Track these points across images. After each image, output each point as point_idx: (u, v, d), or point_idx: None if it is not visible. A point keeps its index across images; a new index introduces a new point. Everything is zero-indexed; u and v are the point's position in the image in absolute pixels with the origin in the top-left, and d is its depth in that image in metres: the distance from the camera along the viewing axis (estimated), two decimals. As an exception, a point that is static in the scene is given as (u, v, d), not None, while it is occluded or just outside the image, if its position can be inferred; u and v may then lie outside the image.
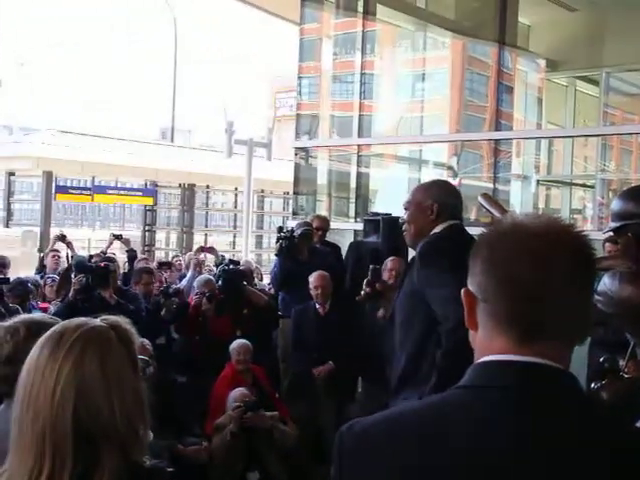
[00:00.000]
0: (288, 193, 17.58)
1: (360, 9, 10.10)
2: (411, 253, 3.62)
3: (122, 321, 1.77)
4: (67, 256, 8.02)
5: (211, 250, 8.89)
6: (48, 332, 1.66)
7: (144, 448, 1.66)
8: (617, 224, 2.90)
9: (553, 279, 1.10)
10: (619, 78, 11.31)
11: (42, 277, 7.89)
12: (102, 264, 6.26)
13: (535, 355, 1.11)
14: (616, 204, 2.98)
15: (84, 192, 18.12)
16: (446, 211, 3.31)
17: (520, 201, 11.30)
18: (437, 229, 3.28)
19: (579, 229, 1.17)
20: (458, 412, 1.12)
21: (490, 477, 1.06)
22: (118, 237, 8.80)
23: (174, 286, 6.94)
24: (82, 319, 1.74)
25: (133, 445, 1.61)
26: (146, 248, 18.11)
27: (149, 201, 18.87)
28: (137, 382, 1.69)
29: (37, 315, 2.94)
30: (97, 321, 1.72)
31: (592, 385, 2.82)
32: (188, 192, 19.92)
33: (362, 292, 3.64)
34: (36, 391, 1.56)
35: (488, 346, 1.15)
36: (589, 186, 12.47)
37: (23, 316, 2.46)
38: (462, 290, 1.20)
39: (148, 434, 1.70)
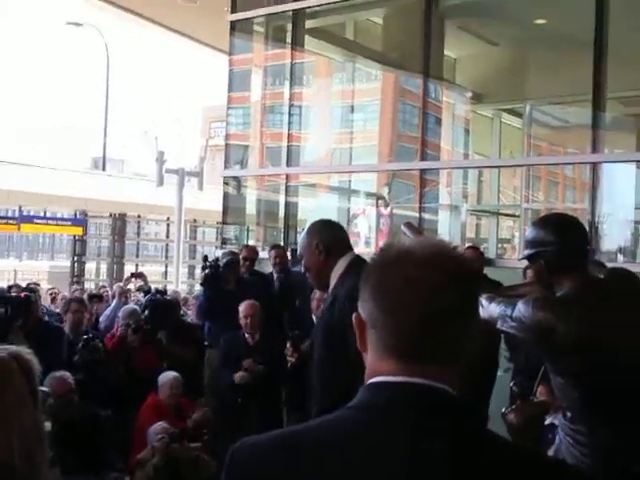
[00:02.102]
0: (220, 222, 17.53)
1: (289, 40, 10.19)
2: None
3: (24, 351, 1.72)
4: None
5: (140, 275, 8.79)
6: None
7: None
8: (530, 251, 2.98)
9: (436, 307, 1.12)
10: (542, 111, 11.67)
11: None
12: (22, 294, 6.09)
13: (421, 376, 1.13)
14: (529, 232, 3.07)
15: (10, 222, 17.74)
16: (335, 246, 3.34)
17: (449, 230, 11.49)
18: (339, 268, 3.29)
19: (460, 253, 1.21)
20: (349, 432, 1.14)
21: None
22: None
23: (90, 334, 6.62)
24: None
25: (29, 478, 1.56)
26: (75, 279, 17.78)
27: (78, 231, 18.57)
28: (37, 414, 1.64)
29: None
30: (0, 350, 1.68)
31: (502, 410, 2.87)
32: (119, 222, 19.68)
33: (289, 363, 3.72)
34: None
35: (377, 368, 1.17)
36: (516, 216, 12.78)
37: None
38: (353, 315, 1.22)
39: (47, 468, 1.65)
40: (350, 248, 3.41)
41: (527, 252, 3.01)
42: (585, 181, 11.41)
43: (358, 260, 3.29)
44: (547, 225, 3.00)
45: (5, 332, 5.52)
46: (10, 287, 6.94)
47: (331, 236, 3.38)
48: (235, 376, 5.87)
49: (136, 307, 6.91)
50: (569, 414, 2.88)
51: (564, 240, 2.89)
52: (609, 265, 3.69)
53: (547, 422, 2.85)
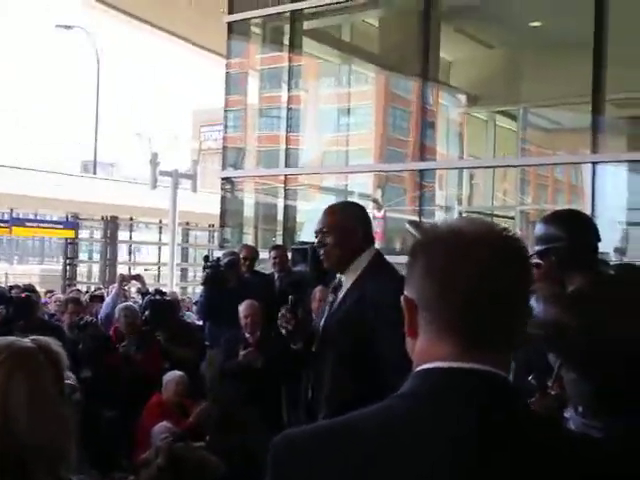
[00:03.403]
0: (213, 226, 17.51)
1: (286, 42, 10.22)
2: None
3: (52, 342, 1.73)
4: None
5: (137, 278, 8.63)
6: None
7: (71, 467, 1.63)
8: (540, 247, 2.98)
9: (496, 286, 1.09)
10: (536, 113, 11.75)
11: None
12: (23, 295, 6.10)
13: (479, 362, 1.09)
14: (539, 228, 3.06)
15: (1, 224, 17.65)
16: (369, 237, 3.32)
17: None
18: (363, 260, 3.28)
19: (516, 234, 1.16)
20: (401, 421, 1.09)
21: None
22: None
23: (87, 318, 6.66)
24: (11, 339, 1.70)
25: (59, 465, 1.59)
26: (67, 282, 17.72)
27: (70, 234, 18.50)
28: (63, 405, 1.66)
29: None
30: (27, 341, 1.69)
31: (522, 402, 2.89)
32: (111, 225, 19.62)
33: (283, 329, 3.36)
34: None
35: (430, 353, 1.12)
36: (509, 217, 12.85)
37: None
38: (402, 298, 1.17)
39: (74, 454, 1.67)
40: (374, 242, 3.40)
41: (537, 248, 2.99)
42: (575, 184, 11.51)
43: (383, 257, 3.29)
44: (558, 221, 2.99)
45: (7, 332, 5.52)
46: (11, 288, 6.94)
47: (369, 225, 3.37)
48: (240, 354, 5.79)
49: (133, 304, 6.92)
50: (580, 408, 2.90)
51: (576, 236, 2.89)
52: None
53: (566, 415, 2.88)
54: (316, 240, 3.28)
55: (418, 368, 1.14)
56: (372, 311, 3.05)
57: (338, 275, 3.31)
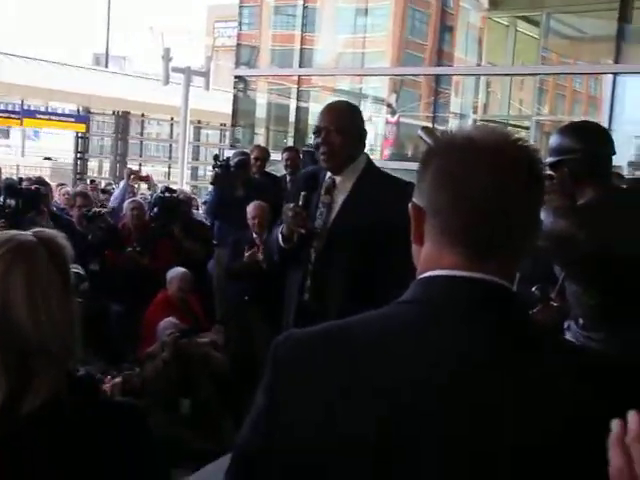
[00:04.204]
0: (225, 125, 17.35)
1: None
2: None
3: (57, 236, 1.71)
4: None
5: (146, 179, 8.55)
6: None
7: (76, 361, 1.65)
8: (554, 159, 2.94)
9: (511, 194, 1.07)
10: (559, 20, 11.40)
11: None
12: (33, 187, 6.09)
13: (485, 272, 1.08)
14: (554, 140, 3.02)
15: (12, 116, 17.51)
16: (364, 139, 3.30)
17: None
18: (359, 163, 3.22)
19: (531, 144, 1.14)
20: (404, 327, 1.09)
21: (439, 395, 1.04)
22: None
23: (94, 209, 6.68)
24: (12, 233, 1.69)
25: (64, 359, 1.60)
26: (78, 176, 17.74)
27: (81, 128, 18.37)
28: (67, 299, 1.66)
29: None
30: (28, 236, 1.68)
31: (525, 312, 2.91)
32: (122, 120, 19.49)
33: (296, 231, 3.16)
34: None
35: (436, 261, 1.11)
36: (524, 127, 12.68)
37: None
38: (409, 205, 1.16)
39: (79, 350, 1.69)
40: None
41: (551, 159, 2.96)
42: (594, 95, 11.29)
43: (374, 165, 3.32)
44: (573, 132, 2.94)
45: (17, 224, 5.55)
46: (21, 180, 6.91)
47: (365, 128, 3.34)
48: (245, 255, 5.82)
49: (140, 200, 6.95)
50: (581, 321, 2.93)
51: (590, 147, 2.85)
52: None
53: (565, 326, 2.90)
54: (317, 137, 3.14)
55: (422, 276, 1.13)
56: (390, 217, 3.02)
57: (328, 175, 3.24)
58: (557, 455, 0.97)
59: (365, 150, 3.33)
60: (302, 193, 3.20)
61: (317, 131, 3.16)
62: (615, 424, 0.80)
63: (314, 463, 1.07)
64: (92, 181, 10.18)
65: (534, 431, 1.00)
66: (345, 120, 3.21)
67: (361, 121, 3.30)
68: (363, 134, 3.26)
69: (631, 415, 0.79)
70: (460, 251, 1.09)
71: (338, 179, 3.22)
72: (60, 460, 1.55)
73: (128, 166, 8.95)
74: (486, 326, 1.06)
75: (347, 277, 3.12)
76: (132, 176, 7.85)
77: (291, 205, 3.16)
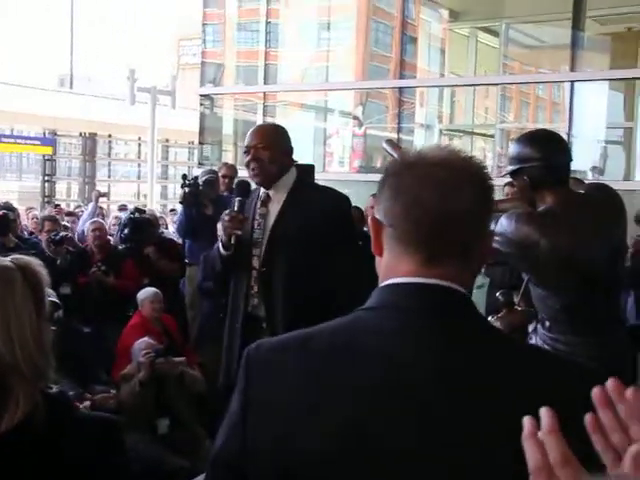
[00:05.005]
0: (193, 143, 17.36)
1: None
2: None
3: (33, 262, 1.74)
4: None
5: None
6: None
7: (48, 382, 1.69)
8: (514, 167, 3.02)
9: (457, 205, 1.14)
10: (518, 30, 11.60)
11: None
12: (0, 213, 6.08)
13: (438, 277, 1.15)
14: (513, 148, 3.11)
15: (-23, 141, 17.38)
16: (291, 156, 3.47)
17: (423, 150, 11.51)
18: (289, 178, 3.40)
19: (478, 159, 1.22)
20: (365, 333, 1.15)
21: (401, 398, 1.09)
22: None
23: (62, 233, 6.67)
24: None
25: (36, 379, 1.64)
26: (46, 199, 17.60)
27: (48, 150, 18.24)
28: (40, 325, 1.69)
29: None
30: (5, 261, 1.71)
31: (489, 318, 2.98)
32: (89, 141, 19.39)
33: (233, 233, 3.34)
34: None
35: (393, 269, 1.18)
36: (489, 136, 12.84)
37: None
38: (369, 218, 1.24)
39: (51, 372, 1.72)
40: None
41: (511, 168, 3.05)
42: (557, 101, 11.47)
43: (304, 178, 3.54)
44: (532, 141, 3.02)
45: (-15, 250, 5.53)
46: (-12, 206, 6.89)
47: (291, 145, 3.51)
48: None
49: (101, 220, 6.98)
50: (547, 323, 3.00)
51: (549, 156, 2.93)
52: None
53: (530, 330, 2.97)
54: (247, 156, 3.34)
55: (383, 283, 1.20)
56: (326, 220, 3.25)
57: (262, 190, 3.41)
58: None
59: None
60: (236, 199, 3.40)
61: (247, 150, 3.37)
62: (526, 420, 0.83)
63: (285, 465, 1.12)
64: (57, 205, 10.11)
65: (488, 435, 1.05)
66: (270, 137, 3.42)
67: (287, 138, 3.49)
68: (289, 150, 3.45)
69: (543, 410, 0.82)
70: (415, 259, 1.16)
71: (271, 192, 3.40)
72: (38, 476, 1.58)
73: (96, 188, 8.92)
74: (444, 332, 1.12)
75: (291, 278, 3.30)
76: (100, 199, 7.85)
77: (227, 211, 3.38)
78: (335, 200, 3.45)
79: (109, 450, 1.67)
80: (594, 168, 9.82)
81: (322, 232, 3.25)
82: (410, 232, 1.16)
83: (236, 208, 3.33)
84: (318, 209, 3.30)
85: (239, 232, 3.32)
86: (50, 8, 35.21)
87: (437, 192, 1.14)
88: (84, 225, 7.36)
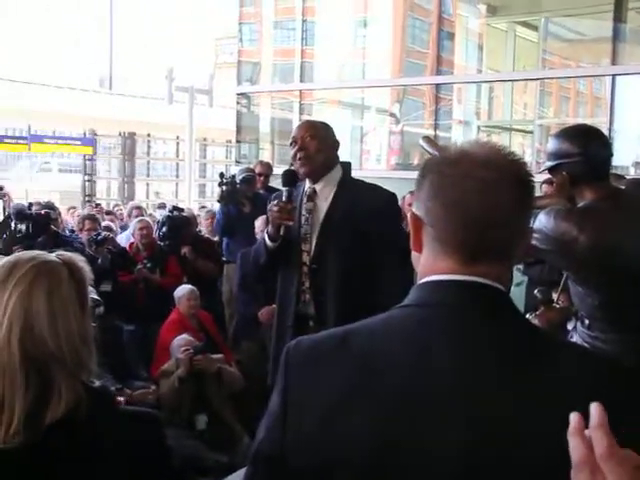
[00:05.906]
0: (230, 141, 17.46)
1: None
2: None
3: (77, 259, 1.79)
4: (4, 207, 7.90)
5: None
6: (0, 262, 1.69)
7: (90, 375, 1.72)
8: (552, 163, 2.98)
9: (499, 204, 1.14)
10: (557, 23, 11.45)
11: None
12: (42, 212, 6.17)
13: (478, 275, 1.15)
14: (552, 144, 3.05)
15: (20, 141, 17.65)
16: (337, 151, 3.47)
17: (461, 146, 11.43)
18: (336, 173, 3.38)
19: (520, 157, 1.21)
20: (403, 330, 1.16)
21: (436, 396, 1.09)
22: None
23: (103, 233, 6.78)
24: (36, 252, 1.77)
25: (79, 370, 1.67)
26: (87, 198, 17.86)
27: (88, 150, 18.50)
28: (84, 319, 1.72)
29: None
30: (51, 256, 1.75)
31: (527, 315, 2.95)
32: (129, 141, 19.62)
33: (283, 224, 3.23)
34: None
35: (432, 267, 1.19)
36: (528, 132, 12.69)
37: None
38: (409, 213, 1.24)
39: (94, 365, 1.75)
40: None
41: (549, 164, 3.00)
42: (598, 96, 11.30)
43: (351, 175, 3.51)
44: (571, 136, 2.98)
45: (28, 248, 5.61)
46: (30, 205, 6.99)
47: (338, 141, 3.49)
48: (259, 315, 5.87)
49: (148, 219, 7.07)
50: (587, 321, 2.96)
51: (588, 151, 2.88)
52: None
53: (569, 327, 2.94)
54: (294, 147, 3.30)
55: (422, 281, 1.20)
56: (379, 218, 3.21)
57: (308, 185, 3.36)
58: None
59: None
60: (285, 189, 3.28)
61: (293, 142, 3.32)
62: (573, 416, 0.83)
63: (322, 464, 1.12)
64: (97, 204, 10.27)
65: (536, 438, 1.03)
66: (317, 129, 3.39)
67: (333, 133, 3.46)
68: (336, 143, 3.43)
69: (593, 405, 0.82)
70: (455, 258, 1.16)
71: (318, 187, 3.34)
72: (83, 467, 1.61)
73: (131, 203, 9.00)
74: (484, 329, 1.12)
75: (342, 275, 3.25)
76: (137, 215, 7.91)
77: (275, 201, 3.27)
78: (387, 198, 3.39)
79: (150, 444, 1.70)
80: (637, 164, 9.65)
81: (374, 230, 3.20)
82: (450, 233, 1.16)
83: (284, 198, 3.22)
84: (370, 207, 3.24)
85: (290, 222, 3.22)
86: (89, 10, 35.63)
87: (479, 194, 1.14)
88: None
